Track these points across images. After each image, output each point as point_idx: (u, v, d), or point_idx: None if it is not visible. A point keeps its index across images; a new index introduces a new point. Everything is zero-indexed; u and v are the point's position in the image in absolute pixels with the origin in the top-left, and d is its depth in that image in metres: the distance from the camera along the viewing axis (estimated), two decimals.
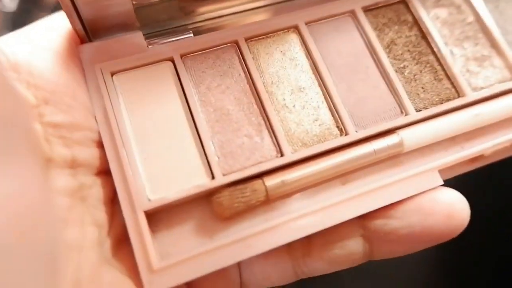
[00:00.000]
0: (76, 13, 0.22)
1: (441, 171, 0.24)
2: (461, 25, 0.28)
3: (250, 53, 0.25)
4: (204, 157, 0.23)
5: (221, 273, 0.22)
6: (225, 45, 0.25)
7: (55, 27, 0.24)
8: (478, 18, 0.28)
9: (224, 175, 0.22)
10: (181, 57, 0.25)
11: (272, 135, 0.24)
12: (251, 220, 0.23)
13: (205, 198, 0.23)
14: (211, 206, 0.22)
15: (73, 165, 0.21)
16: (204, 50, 0.25)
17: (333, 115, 0.25)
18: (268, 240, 0.22)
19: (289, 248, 0.24)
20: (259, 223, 0.22)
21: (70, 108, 0.22)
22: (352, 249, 0.24)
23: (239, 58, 0.25)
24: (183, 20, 0.26)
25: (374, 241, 0.24)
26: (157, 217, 0.22)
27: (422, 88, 0.26)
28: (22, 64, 0.21)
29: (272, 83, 0.25)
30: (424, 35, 0.27)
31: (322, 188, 0.24)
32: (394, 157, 0.25)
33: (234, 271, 0.24)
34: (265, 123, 0.24)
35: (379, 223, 0.24)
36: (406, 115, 0.25)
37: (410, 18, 0.28)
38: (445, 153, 0.25)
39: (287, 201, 0.23)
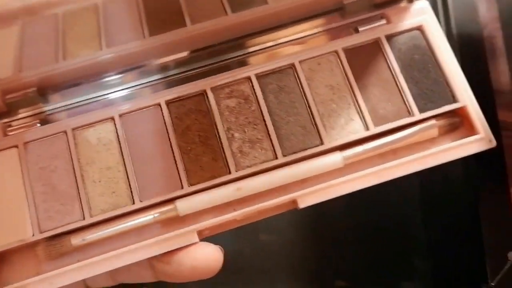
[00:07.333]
0: None
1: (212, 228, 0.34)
2: (246, 112, 0.36)
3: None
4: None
5: None
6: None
7: None
8: (258, 107, 0.36)
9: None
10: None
11: (80, 203, 0.34)
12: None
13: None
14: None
15: None
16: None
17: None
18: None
19: None
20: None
21: None
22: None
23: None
24: None
25: (159, 275, 0.34)
26: None
27: (201, 166, 0.35)
28: None
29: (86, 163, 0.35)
30: (214, 122, 0.36)
31: None
32: (172, 221, 0.34)
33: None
34: (78, 194, 0.34)
35: (159, 266, 0.34)
36: (182, 188, 0.34)
37: (205, 108, 0.36)
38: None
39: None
